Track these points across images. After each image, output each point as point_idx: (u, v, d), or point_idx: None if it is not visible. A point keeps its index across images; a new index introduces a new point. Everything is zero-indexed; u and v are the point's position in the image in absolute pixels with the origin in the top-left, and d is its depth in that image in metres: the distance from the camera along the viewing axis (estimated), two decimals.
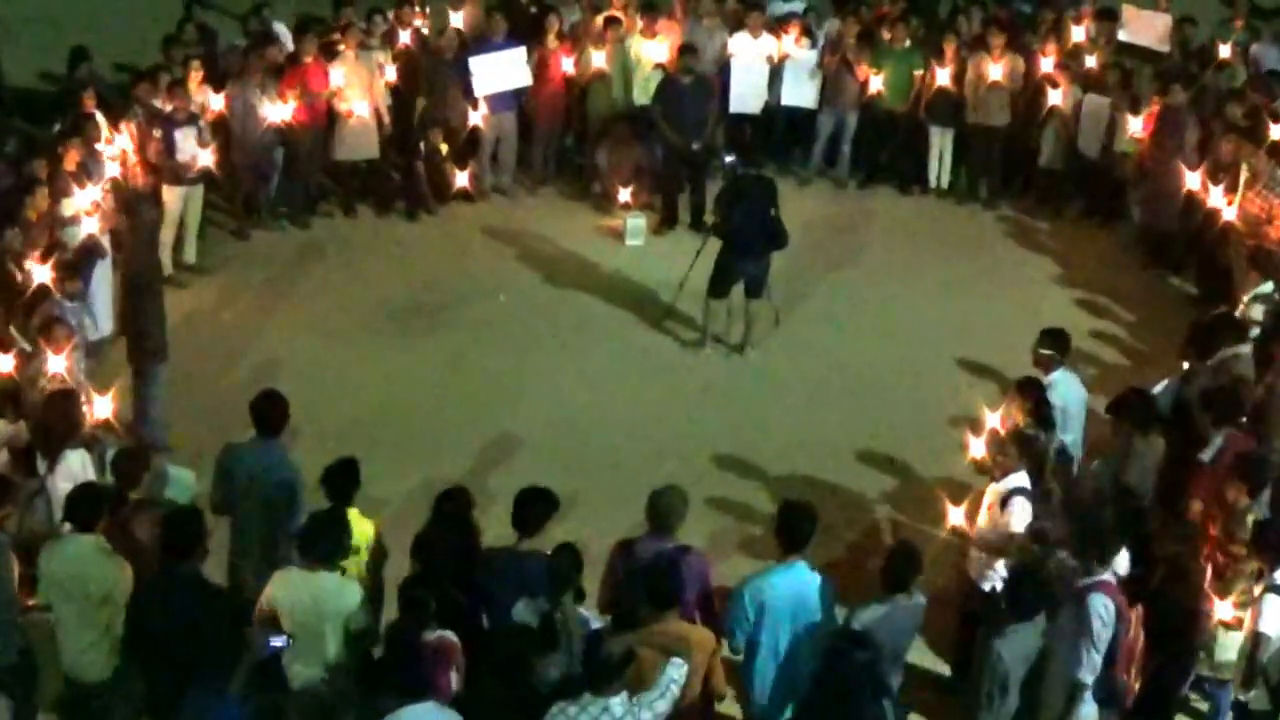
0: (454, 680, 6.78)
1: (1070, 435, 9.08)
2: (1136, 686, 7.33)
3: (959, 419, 10.56)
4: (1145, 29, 14.66)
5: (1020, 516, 7.91)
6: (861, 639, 6.83)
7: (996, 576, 8.00)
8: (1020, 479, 8.04)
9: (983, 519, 8.17)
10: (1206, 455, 8.57)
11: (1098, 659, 7.03)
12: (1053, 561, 7.55)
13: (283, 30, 14.32)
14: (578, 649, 6.84)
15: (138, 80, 12.65)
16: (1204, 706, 8.15)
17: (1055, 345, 9.33)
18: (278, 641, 6.71)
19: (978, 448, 9.00)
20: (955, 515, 8.28)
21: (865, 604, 7.17)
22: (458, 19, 14.48)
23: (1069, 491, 8.41)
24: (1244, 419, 8.87)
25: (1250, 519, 7.76)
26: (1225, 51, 14.20)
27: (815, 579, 7.18)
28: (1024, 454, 8.11)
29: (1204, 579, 7.71)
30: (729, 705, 7.44)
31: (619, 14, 14.52)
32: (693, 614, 7.29)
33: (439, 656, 6.72)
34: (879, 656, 6.89)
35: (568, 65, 14.28)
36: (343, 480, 7.63)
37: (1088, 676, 7.05)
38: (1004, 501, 7.99)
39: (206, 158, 12.47)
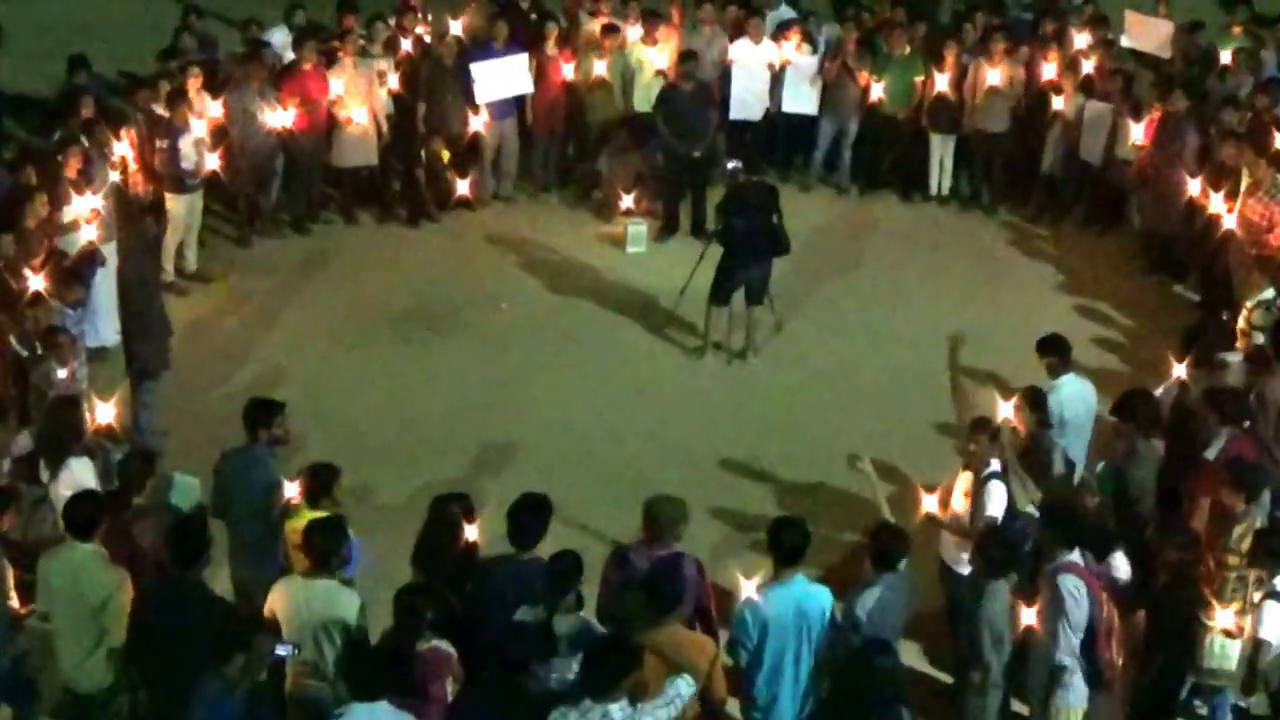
0: (449, 690, 6.78)
1: (1068, 441, 9.07)
2: (1120, 661, 7.38)
3: (959, 423, 10.56)
4: (1147, 35, 14.66)
5: (997, 500, 8.02)
6: (882, 645, 6.84)
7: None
8: (995, 465, 8.15)
9: (959, 505, 8.26)
10: (1210, 453, 8.59)
11: (1075, 640, 7.16)
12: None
13: (280, 37, 14.32)
14: (578, 655, 6.83)
15: (137, 87, 12.66)
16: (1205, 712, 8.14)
17: (1054, 351, 9.35)
18: (283, 650, 6.70)
19: None
20: (929, 503, 8.35)
21: (858, 591, 7.21)
22: (458, 26, 14.49)
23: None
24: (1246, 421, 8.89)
25: (1242, 528, 7.74)
26: (1225, 58, 14.22)
27: (815, 590, 7.19)
28: (996, 440, 8.24)
29: (1205, 585, 7.72)
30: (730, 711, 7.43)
31: (616, 21, 14.53)
32: (691, 621, 7.28)
33: (430, 667, 6.70)
34: (899, 663, 6.91)
35: (568, 72, 14.29)
36: (315, 483, 7.65)
37: (1066, 658, 7.17)
38: (980, 487, 8.08)
39: (213, 162, 12.50)
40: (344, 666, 6.68)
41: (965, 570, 8.15)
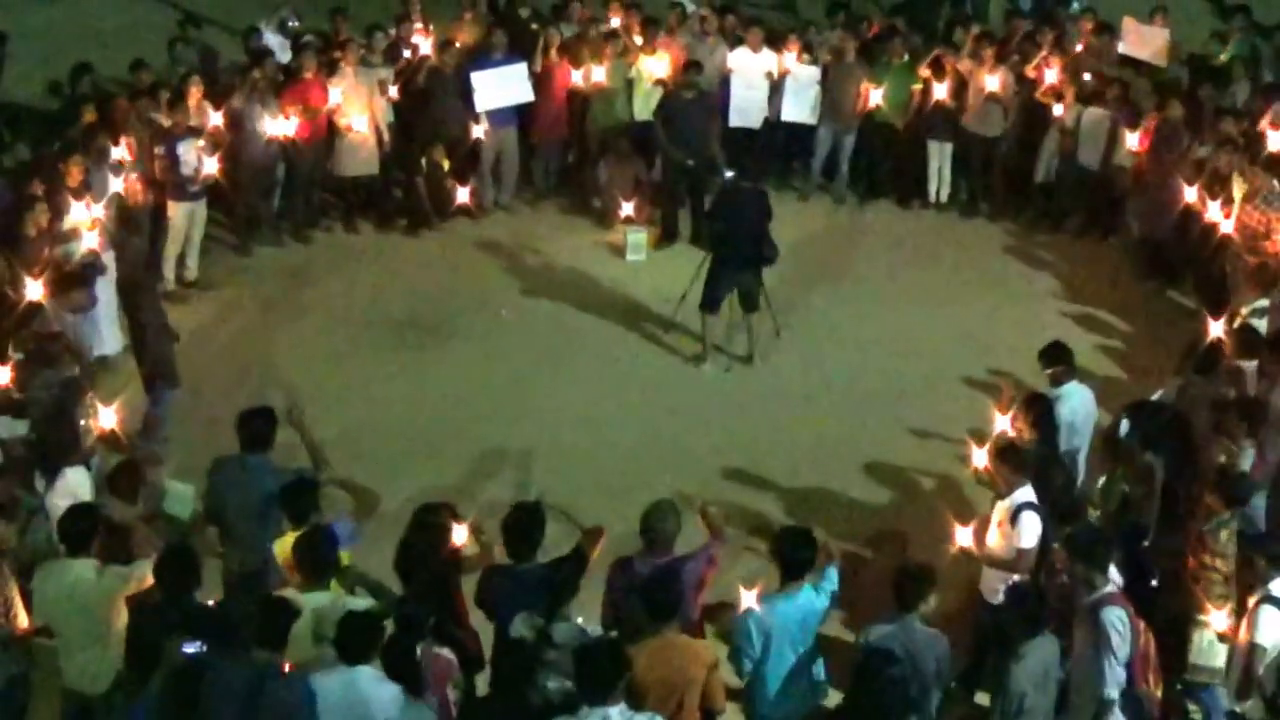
0: (451, 696, 6.81)
1: (1071, 449, 9.10)
2: (1159, 694, 7.35)
3: (960, 431, 10.59)
4: (1144, 43, 14.67)
5: (1030, 531, 7.87)
6: (891, 655, 6.84)
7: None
8: (1027, 493, 8.00)
9: (993, 536, 8.12)
10: (1245, 463, 8.56)
11: (1121, 672, 7.03)
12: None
13: (278, 42, 14.35)
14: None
15: (137, 95, 12.69)
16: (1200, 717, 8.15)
17: (1059, 359, 9.37)
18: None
19: (980, 458, 9.01)
20: (963, 536, 8.22)
21: (876, 624, 7.13)
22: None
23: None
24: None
25: (1228, 532, 7.78)
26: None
27: (819, 600, 7.20)
28: (1022, 467, 8.10)
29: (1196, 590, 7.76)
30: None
31: (616, 29, 14.57)
32: (698, 614, 7.33)
33: (432, 672, 6.72)
34: (907, 672, 6.89)
35: (568, 80, 14.30)
36: (297, 502, 7.63)
37: (1113, 691, 7.04)
38: (1013, 517, 7.95)
39: (211, 165, 12.51)
40: (334, 633, 6.66)
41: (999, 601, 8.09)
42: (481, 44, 14.52)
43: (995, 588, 8.09)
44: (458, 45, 14.37)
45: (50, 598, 7.26)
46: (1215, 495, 7.88)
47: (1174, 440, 8.93)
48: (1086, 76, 14.08)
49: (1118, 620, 7.01)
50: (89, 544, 7.29)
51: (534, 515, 7.39)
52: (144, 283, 10.87)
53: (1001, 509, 8.08)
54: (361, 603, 7.12)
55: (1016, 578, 7.86)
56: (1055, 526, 7.89)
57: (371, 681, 6.48)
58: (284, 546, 7.44)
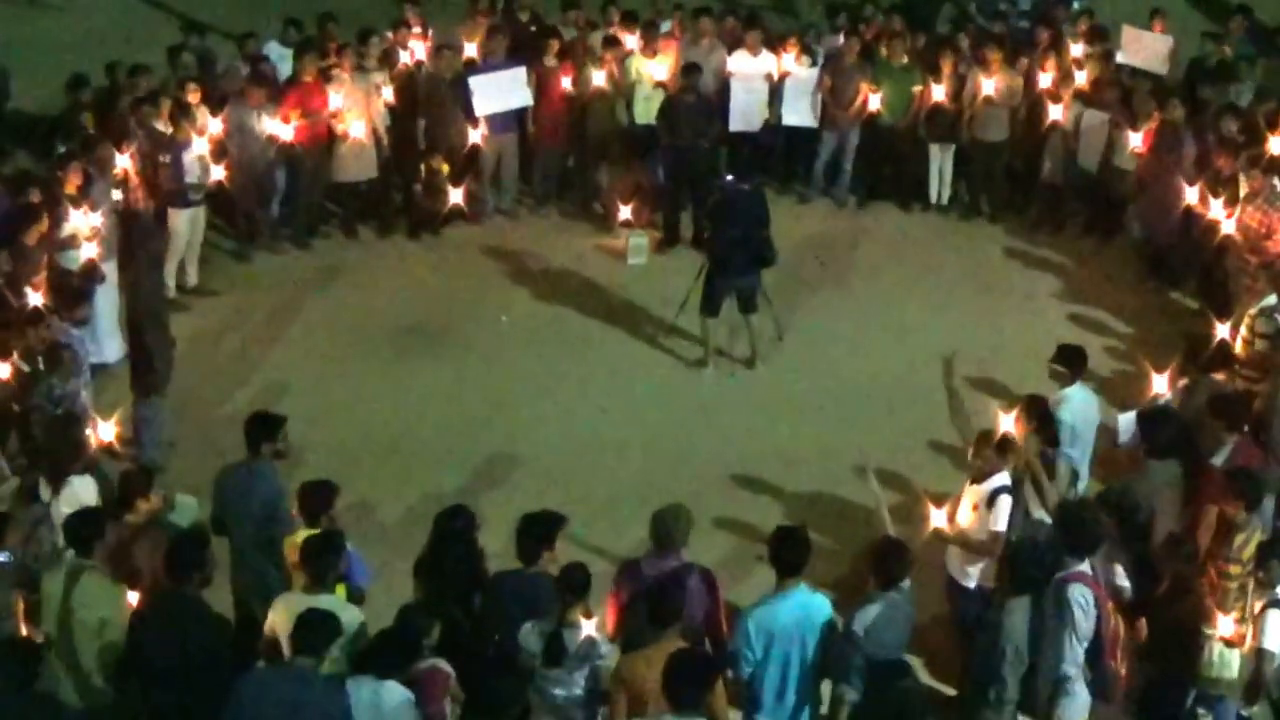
0: (447, 710, 6.80)
1: (1078, 452, 9.09)
2: (1124, 672, 7.40)
3: (961, 434, 10.57)
4: (1144, 51, 14.58)
5: (1003, 514, 7.99)
6: (901, 667, 6.84)
7: (978, 575, 8.09)
8: (1003, 479, 8.11)
9: (966, 519, 8.22)
10: (1218, 460, 8.59)
11: (1080, 650, 7.14)
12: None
13: (278, 52, 14.34)
14: (584, 670, 6.84)
15: (139, 103, 12.67)
16: None
17: (1068, 362, 9.36)
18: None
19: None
20: (937, 518, 8.32)
21: (859, 606, 7.20)
22: (473, 48, 14.41)
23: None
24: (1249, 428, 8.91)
25: (1243, 536, 7.75)
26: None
27: (816, 599, 7.19)
28: (1006, 454, 8.18)
29: (1206, 595, 7.72)
30: None
31: (616, 34, 14.54)
32: (699, 631, 7.28)
33: (429, 686, 6.72)
34: (918, 683, 6.92)
35: (568, 84, 14.29)
36: (313, 500, 7.68)
37: (1071, 669, 7.15)
38: (989, 501, 8.05)
39: (219, 173, 12.52)
40: (372, 645, 6.75)
41: (971, 584, 8.19)
42: (482, 49, 14.46)
43: (962, 569, 8.27)
44: (466, 47, 14.29)
45: (54, 601, 7.24)
46: (1233, 499, 7.84)
47: (1183, 444, 8.94)
48: (1081, 79, 14.00)
49: (1081, 598, 7.10)
50: (93, 546, 7.33)
51: (546, 522, 7.37)
52: (150, 292, 10.81)
53: (976, 492, 8.19)
54: (355, 612, 7.16)
55: (986, 561, 8.05)
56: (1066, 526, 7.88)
57: (395, 693, 6.57)
58: (294, 542, 7.48)
